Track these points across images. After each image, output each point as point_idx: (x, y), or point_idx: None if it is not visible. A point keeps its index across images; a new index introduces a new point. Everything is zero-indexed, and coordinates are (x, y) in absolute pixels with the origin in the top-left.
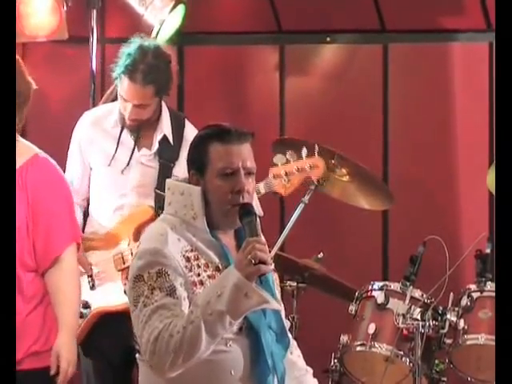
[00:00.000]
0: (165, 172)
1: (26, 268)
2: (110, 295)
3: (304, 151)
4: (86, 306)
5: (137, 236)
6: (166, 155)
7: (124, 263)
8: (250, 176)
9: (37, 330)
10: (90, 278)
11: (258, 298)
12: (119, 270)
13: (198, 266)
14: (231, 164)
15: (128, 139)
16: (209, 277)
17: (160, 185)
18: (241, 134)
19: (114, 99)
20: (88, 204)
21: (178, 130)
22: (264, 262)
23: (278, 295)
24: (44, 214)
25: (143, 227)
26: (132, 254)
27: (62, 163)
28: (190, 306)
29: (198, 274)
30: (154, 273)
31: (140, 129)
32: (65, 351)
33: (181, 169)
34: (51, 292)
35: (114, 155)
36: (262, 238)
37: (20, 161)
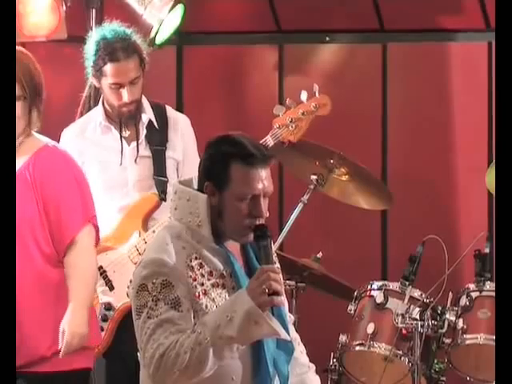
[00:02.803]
0: (158, 157)
1: (49, 260)
2: None
3: (303, 94)
4: (109, 307)
5: (146, 225)
6: (156, 140)
7: (140, 255)
8: (266, 198)
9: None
10: (106, 280)
11: (269, 328)
12: (136, 263)
13: (202, 275)
14: (253, 190)
15: (115, 139)
16: (212, 285)
17: (157, 171)
18: (264, 158)
19: (89, 109)
20: None
21: (160, 114)
22: (277, 293)
23: (286, 310)
24: (53, 198)
25: (150, 215)
26: (146, 243)
27: None
28: (193, 316)
29: (202, 284)
30: (159, 283)
31: (122, 124)
32: (69, 324)
33: (173, 151)
34: (66, 274)
35: (121, 150)
36: (276, 266)
37: (29, 153)
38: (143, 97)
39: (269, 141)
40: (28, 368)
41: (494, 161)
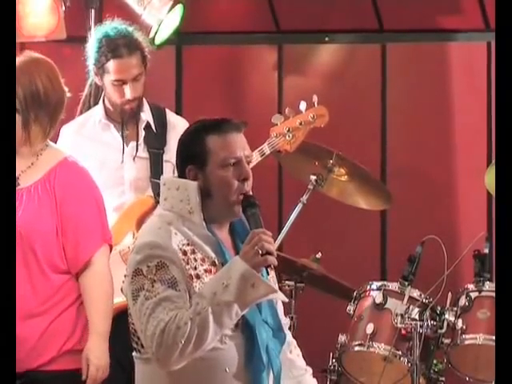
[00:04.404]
0: (156, 160)
1: (57, 270)
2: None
3: (302, 104)
4: None
5: (140, 227)
6: (154, 143)
7: None
8: (248, 164)
9: (69, 329)
10: None
11: (266, 287)
12: None
13: (195, 260)
14: (234, 153)
15: (113, 137)
16: (205, 271)
17: (154, 173)
18: (236, 124)
19: (89, 107)
20: None
21: (159, 117)
22: (271, 253)
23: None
24: (72, 217)
25: (145, 217)
26: None
27: None
28: (189, 299)
29: (195, 268)
30: (154, 266)
31: (124, 122)
32: (93, 356)
33: (171, 154)
34: (83, 296)
35: (123, 149)
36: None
37: (49, 165)
38: (143, 98)
39: (265, 149)
40: (36, 368)
41: (493, 161)
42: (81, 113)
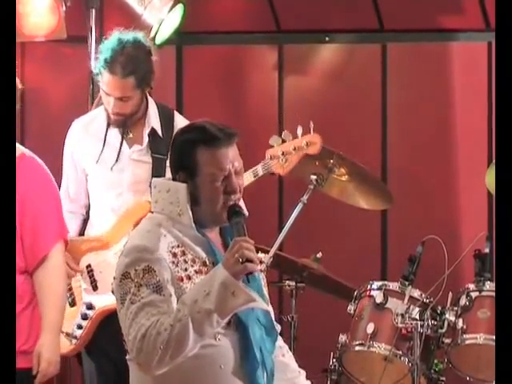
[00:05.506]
0: (158, 165)
1: (17, 269)
2: None
3: (299, 129)
4: (90, 307)
5: None
6: (158, 148)
7: None
8: (238, 175)
9: (26, 330)
10: (91, 279)
11: (246, 296)
12: None
13: (185, 262)
14: (222, 170)
15: (117, 138)
16: (196, 272)
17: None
18: (227, 138)
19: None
20: (88, 210)
21: (167, 122)
22: (251, 261)
23: (267, 295)
24: (31, 213)
25: None
26: None
27: (61, 163)
28: (177, 302)
29: (185, 269)
30: (141, 270)
31: (127, 125)
32: (45, 351)
33: None
34: (37, 291)
35: (101, 151)
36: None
37: None
38: (152, 101)
39: (259, 170)
40: None
41: (493, 161)
42: (97, 105)
